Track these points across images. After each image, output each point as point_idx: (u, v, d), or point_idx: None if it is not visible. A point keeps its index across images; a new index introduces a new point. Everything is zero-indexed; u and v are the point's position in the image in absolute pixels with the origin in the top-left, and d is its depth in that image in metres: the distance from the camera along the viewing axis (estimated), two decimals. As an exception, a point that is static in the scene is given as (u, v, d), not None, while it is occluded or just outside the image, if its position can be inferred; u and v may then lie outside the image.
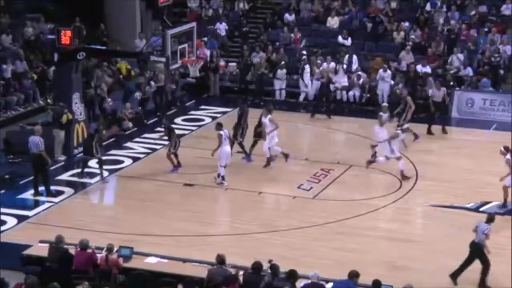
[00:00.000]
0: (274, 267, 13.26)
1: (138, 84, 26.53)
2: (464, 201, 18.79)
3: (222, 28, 31.48)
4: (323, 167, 21.05)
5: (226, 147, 19.72)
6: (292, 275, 12.96)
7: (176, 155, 20.45)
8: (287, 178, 20.38)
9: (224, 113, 26.50)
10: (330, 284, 13.71)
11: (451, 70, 27.88)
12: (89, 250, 14.02)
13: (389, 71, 27.03)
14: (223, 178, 19.53)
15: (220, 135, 19.57)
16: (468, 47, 28.66)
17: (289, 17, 31.55)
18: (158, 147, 22.36)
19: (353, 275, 13.05)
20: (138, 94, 25.83)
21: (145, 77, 26.64)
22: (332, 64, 27.58)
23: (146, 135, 23.70)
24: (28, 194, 18.95)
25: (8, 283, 12.12)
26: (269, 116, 20.79)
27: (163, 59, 21.18)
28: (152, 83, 26.08)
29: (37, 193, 18.81)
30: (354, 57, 28.30)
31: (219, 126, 19.80)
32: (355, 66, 28.15)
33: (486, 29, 29.11)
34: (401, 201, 19.05)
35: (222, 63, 29.55)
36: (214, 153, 19.56)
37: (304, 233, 17.12)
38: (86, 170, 20.44)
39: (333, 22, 30.95)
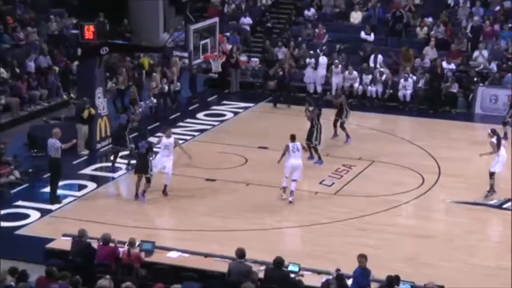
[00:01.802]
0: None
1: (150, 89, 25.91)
2: (488, 198, 18.67)
3: (246, 22, 31.49)
4: (345, 162, 21.02)
5: (291, 160, 18.48)
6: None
7: None
8: (309, 173, 20.33)
9: (246, 108, 26.56)
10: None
11: (475, 66, 27.72)
12: (112, 244, 14.10)
13: (410, 80, 26.87)
14: (284, 190, 18.63)
15: (287, 146, 18.55)
16: (492, 42, 28.47)
17: (308, 12, 31.48)
18: (180, 141, 22.44)
19: (361, 256, 13.14)
20: (149, 102, 25.23)
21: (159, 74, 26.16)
22: (355, 73, 27.61)
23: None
24: (52, 188, 19.07)
25: (29, 275, 12.21)
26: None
27: (186, 54, 21.23)
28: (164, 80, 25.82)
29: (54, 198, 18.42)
30: (379, 56, 28.22)
31: (292, 138, 18.72)
32: (379, 64, 28.09)
33: (510, 25, 28.89)
34: (423, 198, 18.98)
35: (244, 58, 29.58)
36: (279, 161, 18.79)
37: (326, 228, 17.11)
38: (109, 164, 20.57)
39: (356, 16, 30.87)
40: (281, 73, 27.19)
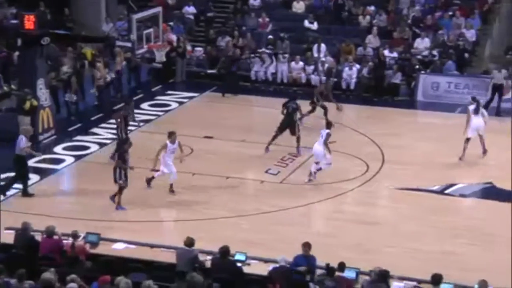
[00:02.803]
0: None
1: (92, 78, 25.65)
2: (429, 184, 18.95)
3: (190, 11, 31.33)
4: (291, 151, 21.09)
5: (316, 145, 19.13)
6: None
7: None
8: (255, 162, 20.39)
9: (191, 98, 26.46)
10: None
11: (417, 54, 28.07)
12: (56, 237, 13.92)
13: (354, 68, 27.10)
14: (310, 174, 19.15)
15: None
16: (432, 31, 28.86)
17: (254, 1, 31.48)
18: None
19: (305, 245, 13.34)
20: (92, 92, 24.99)
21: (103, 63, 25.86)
22: (301, 63, 27.84)
23: (112, 120, 23.54)
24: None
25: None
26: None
27: (129, 44, 21.04)
28: (107, 70, 25.47)
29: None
30: (323, 45, 28.40)
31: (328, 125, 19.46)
32: (322, 53, 28.26)
33: (450, 13, 29.33)
34: (368, 184, 19.17)
35: (189, 47, 29.45)
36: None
37: (273, 217, 17.16)
38: (53, 156, 20.29)
39: (299, 6, 30.98)
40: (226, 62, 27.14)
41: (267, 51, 28.40)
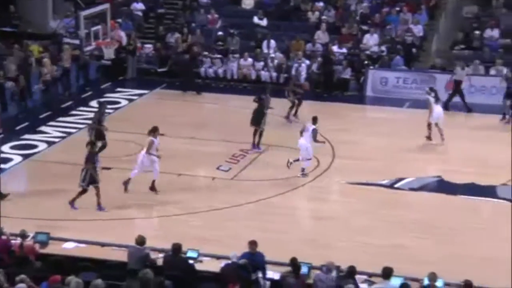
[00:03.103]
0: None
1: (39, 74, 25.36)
2: (379, 178, 19.12)
3: (139, 8, 31.10)
4: (242, 147, 21.10)
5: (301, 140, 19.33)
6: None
7: None
8: (206, 159, 20.34)
9: (141, 95, 26.29)
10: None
11: (365, 49, 28.30)
12: (4, 237, 13.70)
13: (303, 65, 27.21)
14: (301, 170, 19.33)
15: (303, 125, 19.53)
16: (380, 26, 29.12)
17: (203, -2, 31.46)
18: (73, 130, 22.06)
19: (251, 243, 13.31)
20: (37, 87, 24.76)
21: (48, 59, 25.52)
22: (250, 60, 27.87)
23: (60, 118, 23.30)
24: None
25: None
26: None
27: (77, 41, 20.80)
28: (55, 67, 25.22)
29: None
30: (272, 41, 28.47)
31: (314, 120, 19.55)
32: (272, 50, 28.32)
33: (397, 9, 29.63)
34: (319, 180, 19.26)
35: (138, 44, 29.25)
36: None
37: (225, 213, 17.14)
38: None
39: (248, 2, 30.99)
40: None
41: (218, 56, 28.33)
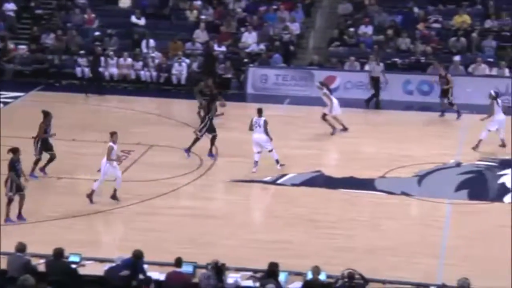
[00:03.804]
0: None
1: None
2: (262, 175, 19.29)
3: (10, 8, 30.19)
4: (123, 148, 20.80)
5: (253, 135, 19.45)
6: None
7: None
8: (87, 162, 19.96)
9: (16, 97, 25.54)
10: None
11: (244, 47, 28.51)
12: None
13: (183, 64, 27.16)
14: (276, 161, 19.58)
15: (251, 120, 19.54)
16: (258, 24, 29.40)
17: (79, -2, 30.90)
18: None
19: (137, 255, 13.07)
20: None
21: None
22: (129, 60, 27.62)
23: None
24: None
25: None
26: None
27: None
28: None
29: None
30: (151, 40, 28.27)
31: (259, 112, 19.62)
32: (151, 49, 28.10)
33: (274, 7, 30.01)
34: (202, 178, 19.26)
35: (11, 46, 28.43)
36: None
37: (108, 216, 16.88)
38: None
39: (125, 1, 30.65)
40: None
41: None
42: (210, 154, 20.50)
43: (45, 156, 19.00)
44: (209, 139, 20.50)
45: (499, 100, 21.38)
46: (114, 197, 17.53)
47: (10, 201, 16.48)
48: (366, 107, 25.64)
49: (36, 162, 18.90)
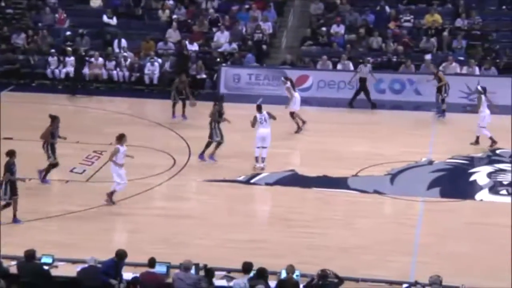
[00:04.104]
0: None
1: None
2: (236, 174, 19.29)
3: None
4: (96, 149, 20.72)
5: (260, 129, 19.78)
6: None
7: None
8: (61, 161, 19.81)
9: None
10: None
11: (217, 47, 28.46)
12: None
13: (156, 63, 27.09)
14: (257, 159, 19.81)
15: (254, 117, 19.80)
16: (231, 24, 29.38)
17: (50, -2, 30.67)
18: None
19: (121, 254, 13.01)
20: None
21: None
22: (101, 59, 27.53)
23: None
24: None
25: None
26: None
27: None
28: None
29: None
30: (123, 40, 28.14)
31: (258, 109, 20.01)
32: (123, 49, 27.99)
33: (247, 6, 30.00)
34: (176, 178, 19.21)
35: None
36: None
37: (80, 216, 16.76)
38: None
39: (96, 1, 30.48)
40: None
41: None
42: (201, 156, 20.20)
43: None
44: (212, 144, 20.24)
45: (484, 96, 21.49)
46: (110, 198, 17.34)
47: (7, 204, 16.18)
48: (350, 107, 25.56)
49: (53, 166, 18.53)
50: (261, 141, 19.81)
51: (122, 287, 12.90)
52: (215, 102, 20.86)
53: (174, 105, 23.78)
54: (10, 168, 16.25)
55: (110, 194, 17.34)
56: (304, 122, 22.80)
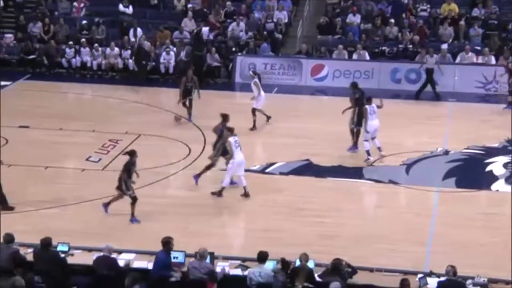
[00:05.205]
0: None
1: None
2: (251, 164, 19.24)
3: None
4: (111, 137, 20.79)
5: (374, 121, 19.47)
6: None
7: None
8: (74, 151, 19.92)
9: (3, 86, 25.40)
10: (125, 255, 13.71)
11: (232, 36, 28.44)
12: None
13: (171, 53, 27.09)
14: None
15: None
16: (246, 13, 29.33)
17: (66, -14, 30.72)
18: None
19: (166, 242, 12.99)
20: None
21: None
22: (116, 49, 27.46)
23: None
24: None
25: None
26: None
27: None
28: None
29: None
30: (139, 29, 28.16)
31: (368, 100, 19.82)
32: (138, 36, 28.01)
33: (261, -4, 29.98)
34: (191, 168, 19.23)
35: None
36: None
37: (96, 205, 16.84)
38: None
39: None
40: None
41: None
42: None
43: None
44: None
45: None
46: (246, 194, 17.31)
47: (133, 199, 16.17)
48: (416, 99, 25.30)
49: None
50: (373, 132, 19.59)
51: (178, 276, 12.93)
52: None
53: (184, 104, 22.62)
54: (129, 168, 16.08)
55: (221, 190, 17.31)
56: (268, 117, 22.24)
